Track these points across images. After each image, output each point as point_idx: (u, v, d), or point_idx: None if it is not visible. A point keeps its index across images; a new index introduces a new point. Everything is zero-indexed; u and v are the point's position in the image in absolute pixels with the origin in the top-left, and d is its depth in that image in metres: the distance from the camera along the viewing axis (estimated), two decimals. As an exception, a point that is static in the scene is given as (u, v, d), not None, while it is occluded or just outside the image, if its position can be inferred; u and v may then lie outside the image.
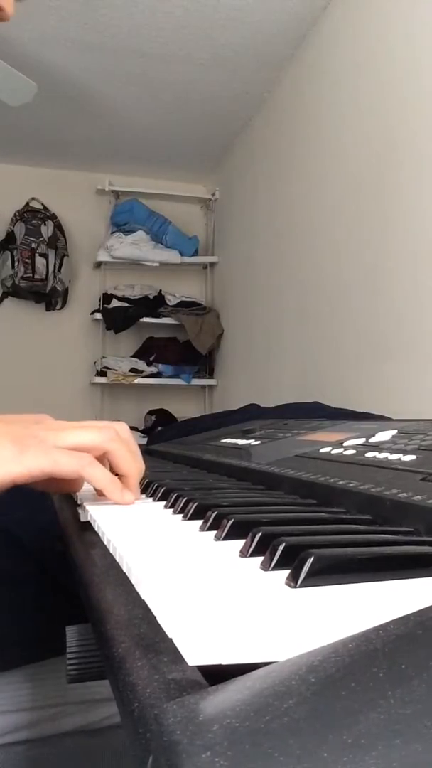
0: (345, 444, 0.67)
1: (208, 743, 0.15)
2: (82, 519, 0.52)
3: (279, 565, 0.30)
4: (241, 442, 0.94)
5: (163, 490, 0.57)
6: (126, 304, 3.83)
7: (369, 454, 0.58)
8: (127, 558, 0.34)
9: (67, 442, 0.51)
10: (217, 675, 0.19)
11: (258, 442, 0.89)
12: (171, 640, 0.23)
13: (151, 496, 0.59)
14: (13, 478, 0.47)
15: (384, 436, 0.66)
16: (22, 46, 2.69)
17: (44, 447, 0.49)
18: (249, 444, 0.90)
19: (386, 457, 0.55)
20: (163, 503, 0.53)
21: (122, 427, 0.57)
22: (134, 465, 0.55)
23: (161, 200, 3.97)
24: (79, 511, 0.54)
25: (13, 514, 0.79)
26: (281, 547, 0.31)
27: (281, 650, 0.20)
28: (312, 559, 0.27)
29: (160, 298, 3.91)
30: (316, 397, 2.00)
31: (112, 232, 3.82)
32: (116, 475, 0.56)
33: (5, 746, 0.75)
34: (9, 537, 0.80)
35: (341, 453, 0.63)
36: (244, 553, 0.34)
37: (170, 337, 3.98)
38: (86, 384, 3.88)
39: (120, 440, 0.55)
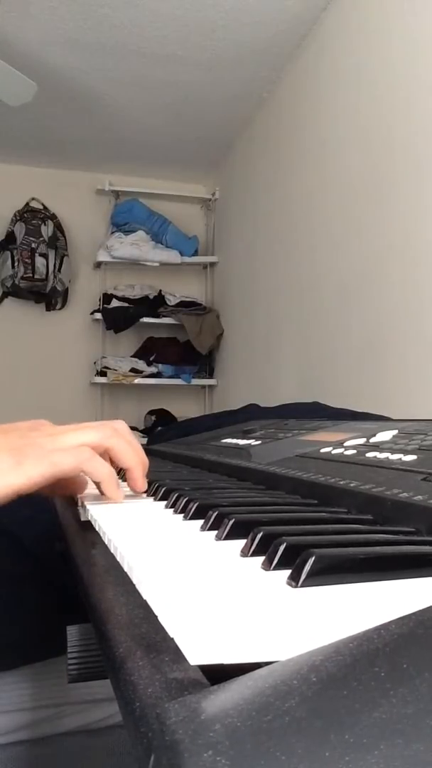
0: (346, 444, 0.67)
1: (210, 742, 0.15)
2: (83, 518, 0.52)
3: (280, 565, 0.30)
4: (241, 442, 0.94)
5: (163, 490, 0.57)
6: (126, 304, 3.83)
7: (370, 454, 0.58)
8: (128, 558, 0.34)
9: (66, 445, 0.51)
10: (219, 674, 0.19)
11: (258, 442, 0.89)
12: (172, 639, 0.23)
13: (152, 496, 0.59)
14: (16, 489, 0.47)
15: (384, 436, 0.66)
16: (22, 46, 2.69)
17: (42, 452, 0.49)
18: (249, 444, 0.90)
19: (387, 457, 0.55)
20: (164, 503, 0.53)
21: (120, 425, 0.57)
22: (136, 457, 0.56)
23: (161, 200, 3.97)
24: (80, 510, 0.54)
25: (13, 515, 0.79)
26: (282, 547, 0.31)
27: (283, 650, 0.20)
28: (313, 558, 0.27)
29: (160, 298, 3.91)
30: (316, 397, 2.00)
31: (112, 232, 3.82)
32: (120, 470, 0.57)
33: (5, 746, 0.75)
34: (9, 537, 0.80)
35: (342, 453, 0.63)
36: (245, 553, 0.34)
37: (170, 337, 3.98)
38: (86, 384, 3.88)
39: (118, 436, 0.55)
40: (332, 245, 2.39)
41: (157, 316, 3.86)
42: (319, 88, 2.54)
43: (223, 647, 0.21)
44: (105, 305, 3.82)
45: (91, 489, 0.57)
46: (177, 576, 0.30)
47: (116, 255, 3.74)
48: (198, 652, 0.21)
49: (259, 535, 0.34)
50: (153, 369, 3.84)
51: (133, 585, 0.31)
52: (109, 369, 3.76)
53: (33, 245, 3.67)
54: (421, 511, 0.39)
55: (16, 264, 3.66)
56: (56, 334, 3.91)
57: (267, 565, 0.31)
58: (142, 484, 0.58)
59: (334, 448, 0.66)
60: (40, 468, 0.48)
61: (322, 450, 0.68)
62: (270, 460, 0.70)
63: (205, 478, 0.74)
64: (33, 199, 3.80)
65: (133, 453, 0.56)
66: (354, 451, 0.62)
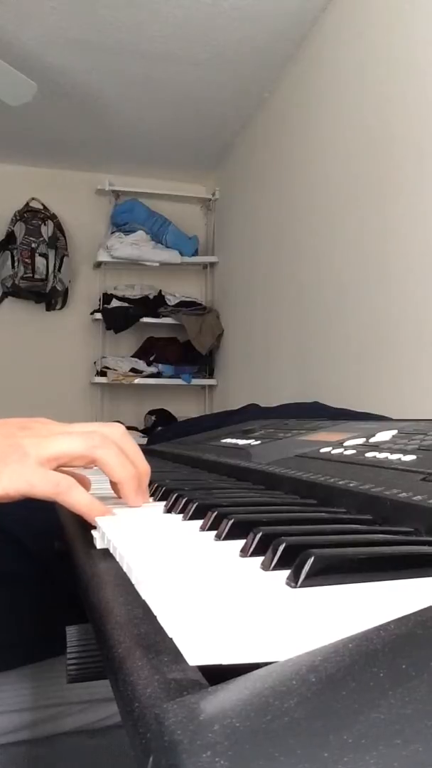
0: (345, 444, 0.67)
1: (209, 743, 0.15)
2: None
3: (279, 565, 0.30)
4: (241, 442, 0.94)
5: (163, 490, 0.57)
6: (126, 304, 3.83)
7: (369, 454, 0.59)
8: (128, 558, 0.34)
9: (50, 452, 0.49)
10: (218, 675, 0.19)
11: (258, 442, 0.89)
12: (171, 639, 0.23)
13: (151, 496, 0.59)
14: None
15: (384, 436, 0.66)
16: (22, 46, 2.69)
17: (23, 465, 0.47)
18: (249, 444, 0.90)
19: (386, 457, 0.55)
20: (164, 503, 0.53)
21: (113, 430, 0.53)
22: (126, 470, 0.51)
23: (161, 200, 3.97)
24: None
25: (13, 514, 0.79)
26: (282, 547, 0.31)
27: (282, 650, 0.20)
28: (312, 559, 0.27)
29: (160, 298, 3.91)
30: (316, 397, 2.00)
31: (112, 232, 3.82)
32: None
33: (5, 746, 0.75)
34: (9, 537, 0.80)
35: (341, 453, 0.63)
36: (244, 553, 0.34)
37: (170, 337, 3.98)
38: (86, 384, 3.88)
39: (107, 446, 0.51)
40: (332, 245, 2.39)
41: (157, 316, 3.86)
42: (319, 88, 2.54)
43: (222, 648, 0.21)
44: (105, 305, 3.82)
45: (93, 490, 0.57)
46: (176, 576, 0.30)
47: (116, 255, 3.74)
48: (197, 652, 0.21)
49: (258, 535, 0.34)
50: (153, 369, 3.84)
51: (133, 585, 0.31)
52: (109, 369, 3.76)
53: (33, 245, 3.67)
54: (420, 511, 0.39)
55: (16, 264, 3.66)
56: (56, 334, 3.91)
57: (266, 566, 0.31)
58: (134, 499, 0.52)
59: (333, 448, 0.66)
60: (16, 483, 0.47)
61: (322, 450, 0.68)
62: (270, 460, 0.70)
63: (204, 478, 0.74)
64: (33, 199, 3.79)
65: (122, 465, 0.51)
66: (354, 451, 0.62)
